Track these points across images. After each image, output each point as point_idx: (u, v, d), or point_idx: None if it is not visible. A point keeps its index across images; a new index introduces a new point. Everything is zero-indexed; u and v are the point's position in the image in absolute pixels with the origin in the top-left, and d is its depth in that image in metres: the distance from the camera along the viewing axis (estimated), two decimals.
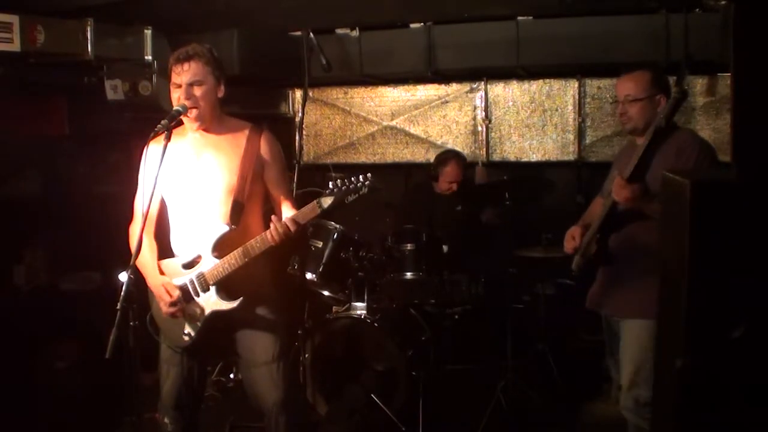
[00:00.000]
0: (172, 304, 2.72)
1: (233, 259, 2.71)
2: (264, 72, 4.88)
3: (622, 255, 2.99)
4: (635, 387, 2.93)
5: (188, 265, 2.78)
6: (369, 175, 2.63)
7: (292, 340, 3.60)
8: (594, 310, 3.20)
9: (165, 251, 2.87)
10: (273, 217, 2.70)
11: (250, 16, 4.34)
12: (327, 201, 2.61)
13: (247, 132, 2.83)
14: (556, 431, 4.07)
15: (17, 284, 4.79)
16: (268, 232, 2.67)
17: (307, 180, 3.93)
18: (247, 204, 2.79)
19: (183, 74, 2.69)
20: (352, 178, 2.62)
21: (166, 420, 2.88)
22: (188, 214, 2.81)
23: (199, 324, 2.77)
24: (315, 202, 2.64)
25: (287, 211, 2.82)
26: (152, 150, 2.77)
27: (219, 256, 2.73)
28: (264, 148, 2.82)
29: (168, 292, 2.72)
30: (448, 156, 4.91)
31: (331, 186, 2.63)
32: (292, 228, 2.64)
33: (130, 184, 2.89)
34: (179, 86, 2.71)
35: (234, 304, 2.73)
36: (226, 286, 2.75)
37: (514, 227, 4.31)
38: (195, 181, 2.78)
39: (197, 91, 2.70)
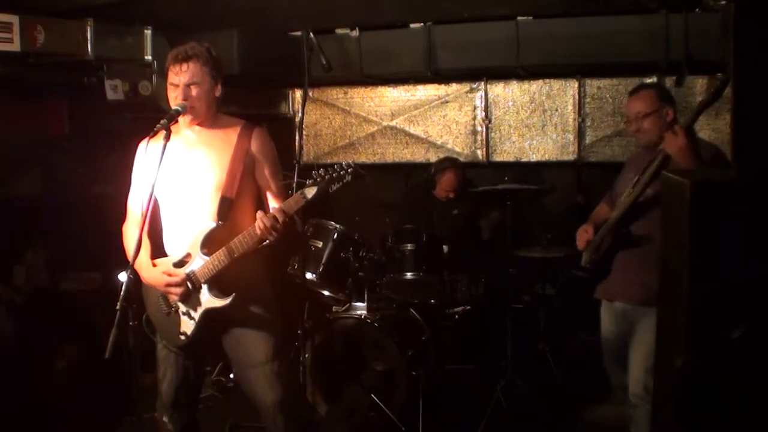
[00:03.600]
0: (179, 284, 2.70)
1: (220, 256, 2.69)
2: (264, 72, 4.87)
3: (642, 246, 3.06)
4: (647, 374, 2.96)
5: (179, 264, 2.76)
6: (352, 162, 2.64)
7: (290, 339, 3.59)
8: (607, 299, 3.28)
9: (159, 250, 2.85)
10: (259, 212, 2.68)
11: (250, 16, 4.34)
12: (311, 191, 2.60)
13: (238, 128, 2.82)
14: (556, 431, 4.07)
15: (17, 284, 4.80)
16: (253, 226, 2.65)
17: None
18: (238, 201, 2.76)
19: (181, 74, 2.69)
20: (335, 166, 2.61)
21: (165, 419, 2.87)
22: (178, 211, 2.80)
23: (194, 322, 2.75)
24: (299, 192, 2.64)
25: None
26: (150, 148, 2.76)
27: (208, 254, 2.71)
28: (255, 144, 2.81)
29: (170, 275, 2.71)
30: (445, 165, 4.94)
31: (314, 176, 2.63)
32: (279, 219, 2.61)
33: (130, 184, 2.89)
34: (177, 86, 2.70)
35: (226, 300, 2.70)
36: (218, 284, 2.73)
37: (514, 227, 4.30)
38: (184, 178, 2.77)
39: (194, 92, 2.70)
